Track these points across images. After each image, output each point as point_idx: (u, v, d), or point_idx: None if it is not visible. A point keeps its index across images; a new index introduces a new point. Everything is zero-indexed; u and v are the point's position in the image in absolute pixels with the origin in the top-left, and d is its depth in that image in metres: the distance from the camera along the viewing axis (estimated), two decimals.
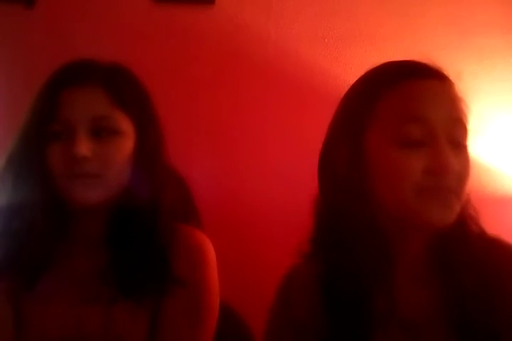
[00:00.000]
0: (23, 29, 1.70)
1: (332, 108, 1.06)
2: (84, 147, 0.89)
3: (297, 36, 1.77)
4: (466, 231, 0.80)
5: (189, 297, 0.92)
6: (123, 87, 0.96)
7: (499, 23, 1.82)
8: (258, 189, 1.66)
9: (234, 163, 1.69)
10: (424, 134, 0.75)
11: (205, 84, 1.72)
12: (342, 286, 0.76)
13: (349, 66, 1.76)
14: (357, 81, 0.88)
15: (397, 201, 0.76)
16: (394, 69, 0.84)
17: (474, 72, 1.79)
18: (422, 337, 0.75)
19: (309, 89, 1.71)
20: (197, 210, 1.06)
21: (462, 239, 0.79)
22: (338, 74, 1.73)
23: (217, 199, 1.55)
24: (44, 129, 0.93)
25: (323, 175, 0.86)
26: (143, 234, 0.93)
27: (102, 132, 0.92)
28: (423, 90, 0.78)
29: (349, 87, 0.89)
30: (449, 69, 0.92)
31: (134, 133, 0.95)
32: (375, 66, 0.88)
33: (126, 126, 0.94)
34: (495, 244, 0.82)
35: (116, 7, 1.74)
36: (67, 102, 0.93)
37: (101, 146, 0.91)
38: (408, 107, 0.77)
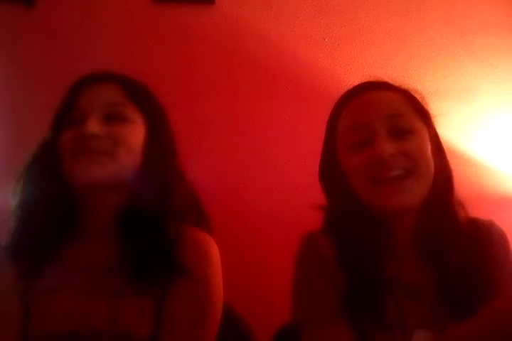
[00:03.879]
0: (23, 29, 1.70)
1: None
2: (95, 125, 0.93)
3: (297, 36, 1.77)
4: (444, 211, 0.93)
5: (194, 290, 0.93)
6: (139, 90, 1.02)
7: (499, 23, 1.82)
8: (259, 188, 1.66)
9: (234, 163, 1.69)
10: (366, 136, 0.91)
11: (206, 84, 1.72)
12: (354, 258, 0.91)
13: (349, 66, 1.77)
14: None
15: (362, 194, 0.93)
16: (350, 90, 1.00)
17: (474, 72, 1.80)
18: (421, 299, 0.89)
19: (309, 89, 1.71)
20: (207, 216, 1.07)
21: (441, 220, 0.92)
22: (338, 74, 1.74)
23: (218, 199, 1.55)
24: (62, 119, 0.98)
25: (320, 177, 1.02)
26: (152, 228, 0.95)
27: (114, 118, 0.96)
28: (363, 101, 0.95)
29: None
30: (449, 69, 0.99)
31: (144, 125, 0.99)
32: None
33: (136, 116, 0.98)
34: (474, 225, 0.95)
35: (116, 7, 1.74)
36: (85, 94, 0.98)
37: (112, 128, 0.95)
38: (352, 118, 0.95)
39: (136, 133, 0.97)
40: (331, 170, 0.99)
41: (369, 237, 0.91)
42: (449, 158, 1.71)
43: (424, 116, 0.97)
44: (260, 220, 1.62)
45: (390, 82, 1.00)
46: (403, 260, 0.93)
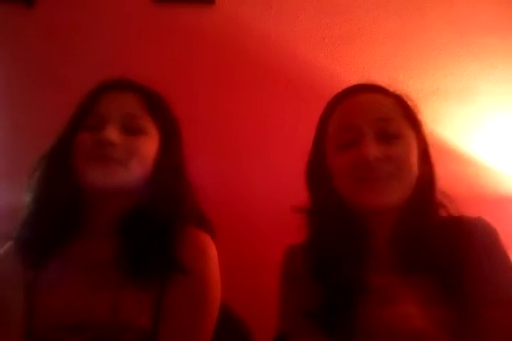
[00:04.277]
0: (23, 29, 1.70)
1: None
2: (113, 134, 0.97)
3: (297, 36, 1.78)
4: (423, 213, 0.94)
5: (191, 287, 0.96)
6: (156, 101, 1.06)
7: (499, 23, 1.82)
8: (258, 187, 1.66)
9: (234, 163, 1.69)
10: (354, 137, 0.93)
11: (206, 84, 1.72)
12: (330, 268, 0.93)
13: (349, 66, 1.77)
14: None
15: (345, 193, 0.95)
16: (342, 91, 1.02)
17: (474, 72, 1.80)
18: (395, 296, 0.89)
19: (309, 89, 1.71)
20: (209, 219, 1.10)
21: (419, 220, 0.93)
22: (338, 74, 1.74)
23: (218, 199, 1.55)
24: (80, 122, 1.01)
25: (307, 177, 1.05)
26: (153, 228, 0.99)
27: (131, 129, 1.00)
28: (353, 103, 0.97)
29: None
30: (449, 69, 0.99)
31: (158, 136, 1.03)
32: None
33: (152, 128, 1.03)
34: (455, 223, 0.93)
35: (116, 7, 1.74)
36: (105, 101, 1.02)
37: (128, 139, 0.99)
38: (341, 119, 0.97)
39: (150, 145, 1.02)
40: (317, 170, 1.01)
41: (348, 239, 0.94)
42: (449, 158, 1.72)
43: (414, 122, 0.98)
44: (260, 220, 1.62)
45: (384, 85, 1.01)
46: (380, 260, 0.94)
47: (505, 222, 1.70)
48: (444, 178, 1.68)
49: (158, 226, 0.99)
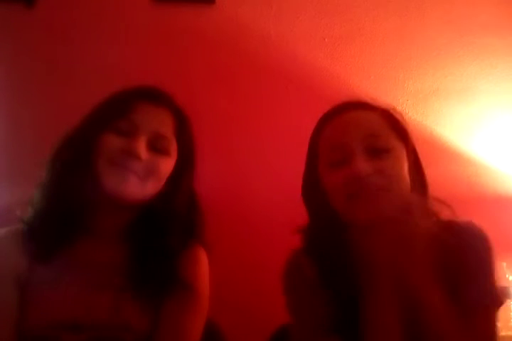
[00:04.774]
0: (23, 29, 1.70)
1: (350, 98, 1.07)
2: (143, 149, 1.01)
3: (297, 36, 1.78)
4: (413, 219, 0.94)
5: (186, 296, 1.01)
6: (184, 122, 1.11)
7: (499, 23, 1.82)
8: (258, 188, 1.66)
9: (233, 163, 1.69)
10: (344, 155, 0.97)
11: (205, 84, 1.72)
12: (331, 277, 0.97)
13: (349, 66, 1.77)
14: None
15: (339, 209, 0.98)
16: (330, 110, 1.06)
17: (474, 72, 1.80)
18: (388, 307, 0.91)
19: (309, 89, 1.71)
20: (204, 231, 1.13)
21: (410, 228, 0.93)
22: (338, 74, 1.74)
23: (217, 200, 1.55)
24: (108, 122, 1.03)
25: (302, 194, 1.09)
26: (159, 238, 1.03)
27: (157, 148, 1.04)
28: (341, 122, 1.01)
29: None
30: (449, 69, 0.99)
31: (176, 157, 1.08)
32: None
33: (174, 152, 1.07)
34: (446, 230, 0.94)
35: (116, 7, 1.74)
36: (140, 110, 1.04)
37: (153, 157, 1.03)
38: (331, 138, 1.01)
39: (169, 166, 1.06)
40: (311, 188, 1.06)
41: (342, 255, 0.97)
42: (449, 158, 1.72)
43: (402, 134, 1.01)
44: (260, 221, 1.62)
45: (370, 101, 1.05)
46: (379, 270, 0.95)
47: (505, 221, 1.70)
48: (444, 178, 1.69)
49: (164, 239, 1.03)
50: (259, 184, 1.67)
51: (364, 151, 0.96)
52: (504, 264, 1.59)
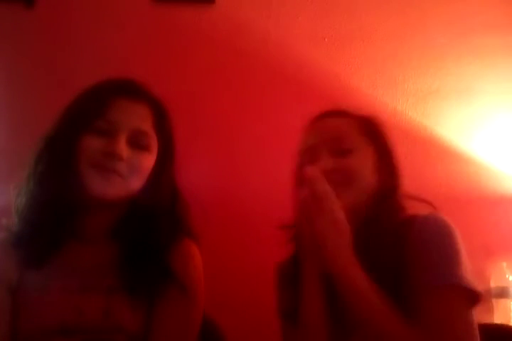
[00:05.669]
0: (22, 29, 1.70)
1: (331, 107, 1.08)
2: (124, 148, 1.00)
3: (297, 36, 1.78)
4: (380, 216, 1.00)
5: (180, 295, 0.99)
6: (163, 115, 1.09)
7: (499, 23, 1.82)
8: (258, 189, 1.66)
9: (232, 163, 1.69)
10: (312, 156, 1.05)
11: (205, 84, 1.72)
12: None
13: (349, 66, 1.77)
14: None
15: None
16: (313, 118, 1.13)
17: (474, 72, 1.80)
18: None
19: (309, 89, 1.71)
20: (194, 227, 1.12)
21: (376, 224, 0.99)
22: (338, 74, 1.74)
23: (217, 200, 1.55)
24: (85, 122, 1.01)
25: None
26: (148, 236, 1.02)
27: (137, 145, 1.02)
28: (314, 128, 1.10)
29: None
30: (449, 69, 0.98)
31: (156, 152, 1.06)
32: None
33: (155, 147, 1.06)
34: (407, 224, 0.98)
35: (116, 7, 1.74)
36: (117, 107, 1.02)
37: (134, 154, 1.02)
38: (303, 142, 1.10)
39: (149, 162, 1.05)
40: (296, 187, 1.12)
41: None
42: (449, 158, 1.72)
43: (372, 137, 1.07)
44: (258, 222, 1.62)
45: (349, 110, 1.11)
46: None
47: (505, 221, 1.70)
48: (444, 178, 1.69)
49: (152, 235, 1.02)
50: (259, 184, 1.67)
51: (329, 152, 1.04)
52: (504, 264, 1.59)
